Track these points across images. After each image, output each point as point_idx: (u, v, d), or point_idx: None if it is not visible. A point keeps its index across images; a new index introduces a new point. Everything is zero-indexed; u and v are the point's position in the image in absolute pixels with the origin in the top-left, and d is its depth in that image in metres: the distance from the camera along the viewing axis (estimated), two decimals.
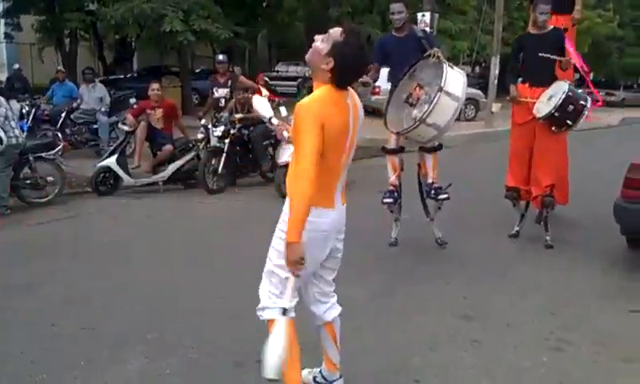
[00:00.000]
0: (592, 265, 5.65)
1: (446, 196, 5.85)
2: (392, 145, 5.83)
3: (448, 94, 5.04)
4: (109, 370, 3.51)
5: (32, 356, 3.65)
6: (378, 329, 3.97)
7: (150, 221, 7.09)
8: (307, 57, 2.87)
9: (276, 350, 2.71)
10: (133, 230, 6.67)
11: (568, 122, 5.87)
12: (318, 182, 2.70)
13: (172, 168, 8.58)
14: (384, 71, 6.13)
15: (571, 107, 5.78)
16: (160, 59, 22.37)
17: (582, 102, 5.83)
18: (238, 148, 8.84)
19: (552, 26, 6.24)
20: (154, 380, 3.41)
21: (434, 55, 5.32)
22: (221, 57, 9.89)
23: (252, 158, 9.05)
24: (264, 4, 21.45)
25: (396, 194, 5.93)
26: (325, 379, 3.29)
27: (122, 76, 21.36)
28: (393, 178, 5.92)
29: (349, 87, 2.86)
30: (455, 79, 5.18)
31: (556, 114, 5.81)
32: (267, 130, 9.48)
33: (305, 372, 3.31)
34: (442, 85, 5.00)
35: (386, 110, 5.60)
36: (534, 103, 6.02)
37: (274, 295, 2.93)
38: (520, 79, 6.34)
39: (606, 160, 9.05)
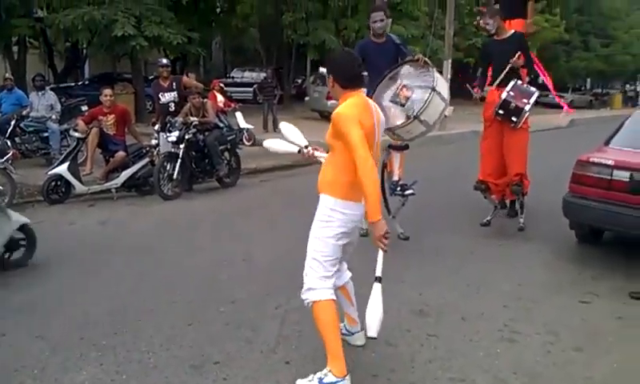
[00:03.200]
0: (543, 259, 5.83)
1: (411, 192, 6.09)
2: None
3: (439, 94, 5.38)
4: (62, 377, 3.43)
5: None
6: None
7: (104, 228, 6.96)
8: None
9: (376, 312, 3.21)
10: (85, 237, 6.53)
11: (512, 118, 6.25)
12: (355, 180, 3.15)
13: (125, 174, 8.45)
14: None
15: (512, 105, 6.20)
16: (112, 66, 22.04)
17: (523, 100, 6.21)
18: (193, 153, 8.76)
19: (512, 31, 6.68)
20: None
21: (421, 59, 5.67)
22: (164, 61, 9.80)
23: (208, 162, 8.97)
24: (217, 10, 21.34)
25: None
26: (348, 331, 3.84)
27: (73, 84, 20.94)
28: None
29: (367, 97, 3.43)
30: (442, 82, 5.58)
31: (500, 112, 6.27)
32: (223, 134, 9.46)
33: None
34: (435, 85, 5.36)
35: None
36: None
37: (323, 277, 3.33)
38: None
39: (556, 158, 9.31)
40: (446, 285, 5.04)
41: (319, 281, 3.33)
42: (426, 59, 5.66)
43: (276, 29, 23.41)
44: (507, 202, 7.17)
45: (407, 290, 4.90)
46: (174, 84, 9.23)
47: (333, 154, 3.35)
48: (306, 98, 21.32)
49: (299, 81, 27.76)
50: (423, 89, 5.42)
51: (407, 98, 5.48)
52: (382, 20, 6.18)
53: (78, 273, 5.29)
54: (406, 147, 6.11)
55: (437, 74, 5.55)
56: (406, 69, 5.75)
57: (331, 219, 3.30)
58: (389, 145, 6.10)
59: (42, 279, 5.11)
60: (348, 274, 3.72)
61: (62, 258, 5.71)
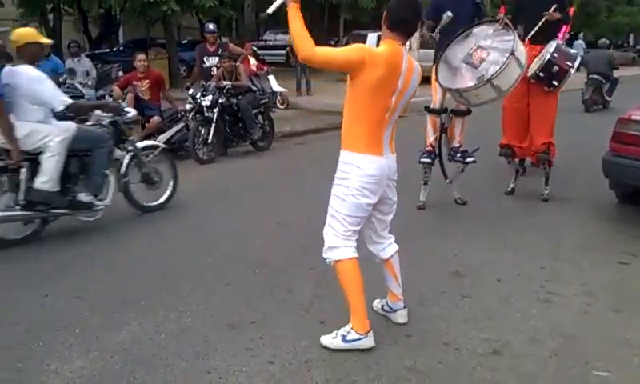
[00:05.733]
0: (582, 219, 5.73)
1: (472, 159, 6.05)
2: (437, 105, 5.93)
3: (517, 59, 5.12)
4: (103, 336, 3.52)
5: (26, 325, 3.66)
6: (368, 285, 3.96)
7: None
8: None
9: None
10: (121, 200, 6.60)
11: (554, 82, 5.92)
12: (365, 132, 3.14)
13: (161, 139, 8.50)
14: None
15: (555, 68, 5.84)
16: (146, 32, 22.12)
17: (567, 63, 5.87)
18: (227, 117, 8.79)
19: None
20: (148, 344, 3.43)
21: (502, 20, 5.44)
22: (211, 26, 9.82)
23: (242, 126, 8.99)
24: None
25: (433, 155, 6.05)
26: (390, 308, 3.69)
27: (107, 50, 21.12)
28: (432, 139, 6.05)
29: (406, 52, 3.16)
30: (521, 47, 5.33)
31: (541, 75, 5.90)
32: (256, 98, 9.45)
33: (375, 302, 3.77)
34: (514, 49, 5.09)
35: (437, 67, 5.59)
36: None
37: (343, 236, 3.26)
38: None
39: (596, 116, 9.07)
40: (482, 246, 5.00)
41: (339, 239, 3.26)
42: (507, 21, 5.41)
43: None
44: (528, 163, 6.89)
45: (442, 251, 4.89)
46: (220, 49, 9.31)
47: (347, 104, 3.21)
48: None
49: (332, 42, 27.46)
50: (500, 51, 5.17)
51: (482, 60, 5.27)
52: None
53: (114, 234, 5.39)
54: (469, 112, 5.99)
55: (517, 38, 5.29)
56: (482, 28, 5.55)
57: (347, 175, 3.18)
58: (451, 109, 5.98)
59: (75, 241, 5.22)
60: (393, 248, 3.56)
61: (96, 221, 5.81)
